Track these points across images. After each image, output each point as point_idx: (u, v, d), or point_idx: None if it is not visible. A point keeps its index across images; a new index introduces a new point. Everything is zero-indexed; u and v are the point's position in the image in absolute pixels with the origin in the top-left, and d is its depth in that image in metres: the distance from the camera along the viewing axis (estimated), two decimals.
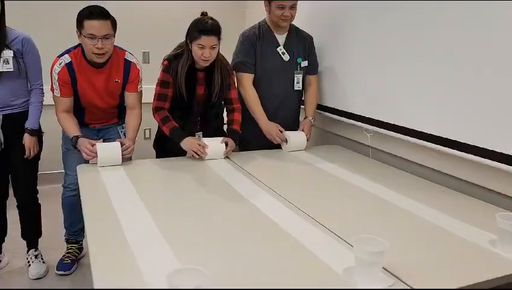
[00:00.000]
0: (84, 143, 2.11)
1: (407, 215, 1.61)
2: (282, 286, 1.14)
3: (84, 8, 2.11)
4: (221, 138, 2.28)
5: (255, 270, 1.21)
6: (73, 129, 2.21)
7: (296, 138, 2.46)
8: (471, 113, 1.82)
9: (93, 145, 2.10)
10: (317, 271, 1.21)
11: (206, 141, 2.24)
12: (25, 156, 2.27)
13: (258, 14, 2.59)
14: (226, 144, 2.25)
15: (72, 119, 2.27)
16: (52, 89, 2.23)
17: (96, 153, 2.07)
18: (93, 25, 2.06)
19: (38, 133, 2.31)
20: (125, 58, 2.28)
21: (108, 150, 2.10)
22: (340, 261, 1.25)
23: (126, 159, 2.22)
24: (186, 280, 0.96)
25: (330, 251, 1.32)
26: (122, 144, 2.15)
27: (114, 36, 2.17)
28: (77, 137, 2.16)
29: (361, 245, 1.12)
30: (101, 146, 2.10)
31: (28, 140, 2.25)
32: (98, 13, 2.08)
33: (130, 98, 2.31)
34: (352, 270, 1.17)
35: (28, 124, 2.26)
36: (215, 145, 2.24)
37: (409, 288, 1.14)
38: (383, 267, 1.17)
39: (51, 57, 2.26)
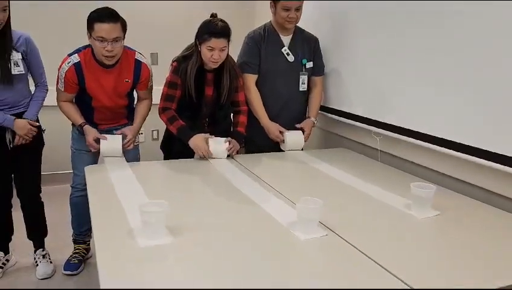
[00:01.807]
0: (88, 136, 2.25)
1: (415, 221, 1.60)
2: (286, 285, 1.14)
3: (94, 10, 2.12)
4: (224, 138, 2.28)
5: (258, 270, 1.21)
6: (77, 117, 2.32)
7: (293, 138, 2.48)
8: (484, 117, 1.80)
9: (96, 140, 2.24)
10: (322, 269, 1.21)
11: (210, 141, 2.25)
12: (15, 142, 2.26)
13: (267, 15, 2.59)
14: (230, 144, 2.27)
15: (74, 107, 2.34)
16: (57, 82, 2.27)
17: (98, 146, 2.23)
18: (103, 28, 2.07)
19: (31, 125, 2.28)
20: (135, 59, 2.30)
21: (110, 143, 2.24)
22: (349, 262, 1.24)
23: (133, 156, 2.32)
24: (152, 207, 1.39)
25: (336, 253, 1.32)
26: (125, 136, 2.29)
27: (124, 38, 2.18)
28: (81, 126, 2.29)
29: (302, 204, 1.42)
30: (104, 141, 2.23)
31: (22, 121, 2.24)
32: (108, 16, 2.09)
33: (141, 93, 2.42)
34: (294, 224, 1.45)
35: (26, 115, 2.26)
36: (218, 145, 2.25)
37: (408, 288, 1.15)
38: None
39: (55, 55, 2.28)
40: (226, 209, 1.66)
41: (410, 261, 1.29)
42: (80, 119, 2.31)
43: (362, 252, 1.31)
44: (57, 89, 2.29)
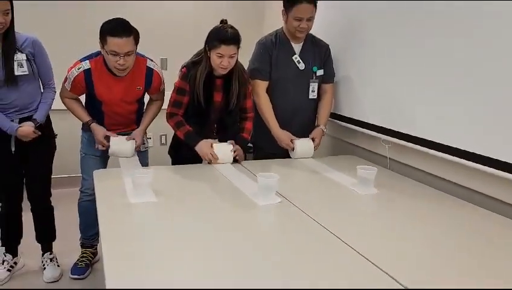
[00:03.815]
0: (98, 135, 2.28)
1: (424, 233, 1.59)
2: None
3: (107, 22, 2.12)
4: (230, 144, 2.29)
5: (260, 274, 1.20)
6: (83, 115, 2.36)
7: (303, 146, 2.46)
8: (493, 126, 1.78)
9: (106, 138, 2.28)
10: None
11: (216, 145, 2.26)
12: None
13: (276, 21, 2.59)
14: (235, 151, 2.28)
15: (79, 104, 2.37)
16: (64, 80, 2.28)
17: (108, 145, 2.28)
18: (116, 43, 2.07)
19: (39, 127, 2.27)
20: (147, 66, 2.31)
21: (120, 144, 2.28)
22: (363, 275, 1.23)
23: (141, 161, 2.33)
24: (142, 176, 1.76)
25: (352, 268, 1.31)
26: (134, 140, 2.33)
27: (136, 49, 2.19)
28: (88, 123, 2.32)
29: (263, 178, 1.76)
30: (114, 140, 2.27)
31: (25, 129, 2.23)
32: (122, 30, 2.08)
33: (153, 96, 2.46)
34: (256, 194, 1.78)
35: (35, 116, 2.27)
36: (224, 149, 2.26)
37: (402, 288, 1.16)
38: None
39: (62, 57, 2.30)
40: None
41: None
42: (86, 117, 2.34)
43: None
44: (63, 86, 2.31)
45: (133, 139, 2.33)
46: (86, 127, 2.39)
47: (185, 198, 1.84)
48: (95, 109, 2.35)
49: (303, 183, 2.15)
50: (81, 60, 2.24)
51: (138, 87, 2.32)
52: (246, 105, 2.41)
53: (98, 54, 2.24)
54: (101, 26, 2.12)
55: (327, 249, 1.39)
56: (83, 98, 2.40)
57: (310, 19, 2.39)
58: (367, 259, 1.31)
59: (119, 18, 2.14)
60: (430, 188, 2.07)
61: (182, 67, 2.30)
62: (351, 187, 1.98)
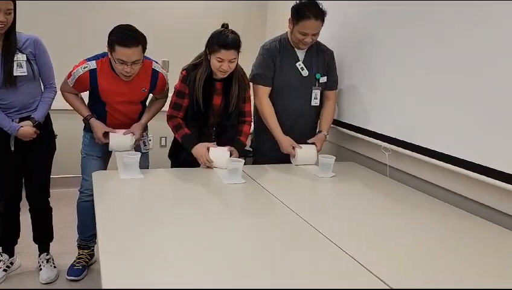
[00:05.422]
0: (97, 132, 2.30)
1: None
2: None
3: (116, 29, 2.12)
4: (226, 147, 2.29)
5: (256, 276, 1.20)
6: (83, 109, 2.37)
7: (304, 153, 2.44)
8: (496, 136, 1.77)
9: (105, 135, 2.30)
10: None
11: (212, 149, 2.25)
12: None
13: (278, 24, 2.58)
14: (231, 153, 2.28)
15: (79, 98, 2.38)
16: (68, 76, 2.28)
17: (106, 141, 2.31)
18: (124, 52, 2.08)
19: (38, 126, 2.27)
20: (152, 68, 2.32)
21: (119, 140, 2.30)
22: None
23: (142, 163, 2.30)
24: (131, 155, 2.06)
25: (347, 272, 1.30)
26: (133, 135, 2.34)
27: (143, 56, 2.20)
28: (87, 118, 2.33)
29: (232, 162, 2.07)
30: (113, 135, 2.31)
31: (26, 129, 2.23)
32: (130, 40, 2.08)
33: (158, 96, 2.47)
34: (226, 175, 2.08)
35: (34, 115, 2.26)
36: (220, 154, 2.25)
37: (388, 288, 1.16)
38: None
39: (60, 57, 2.29)
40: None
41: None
42: (85, 112, 2.35)
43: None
44: (65, 81, 2.31)
45: (132, 133, 2.33)
46: (88, 128, 2.39)
47: (180, 198, 1.84)
48: (98, 108, 2.36)
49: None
50: (88, 60, 2.25)
51: (143, 89, 2.33)
52: (244, 109, 2.41)
53: (104, 54, 2.25)
54: (110, 33, 2.12)
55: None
56: (85, 96, 2.40)
57: (316, 34, 2.38)
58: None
59: (128, 25, 2.15)
60: (422, 193, 2.07)
61: (182, 70, 2.31)
62: (313, 173, 2.26)
